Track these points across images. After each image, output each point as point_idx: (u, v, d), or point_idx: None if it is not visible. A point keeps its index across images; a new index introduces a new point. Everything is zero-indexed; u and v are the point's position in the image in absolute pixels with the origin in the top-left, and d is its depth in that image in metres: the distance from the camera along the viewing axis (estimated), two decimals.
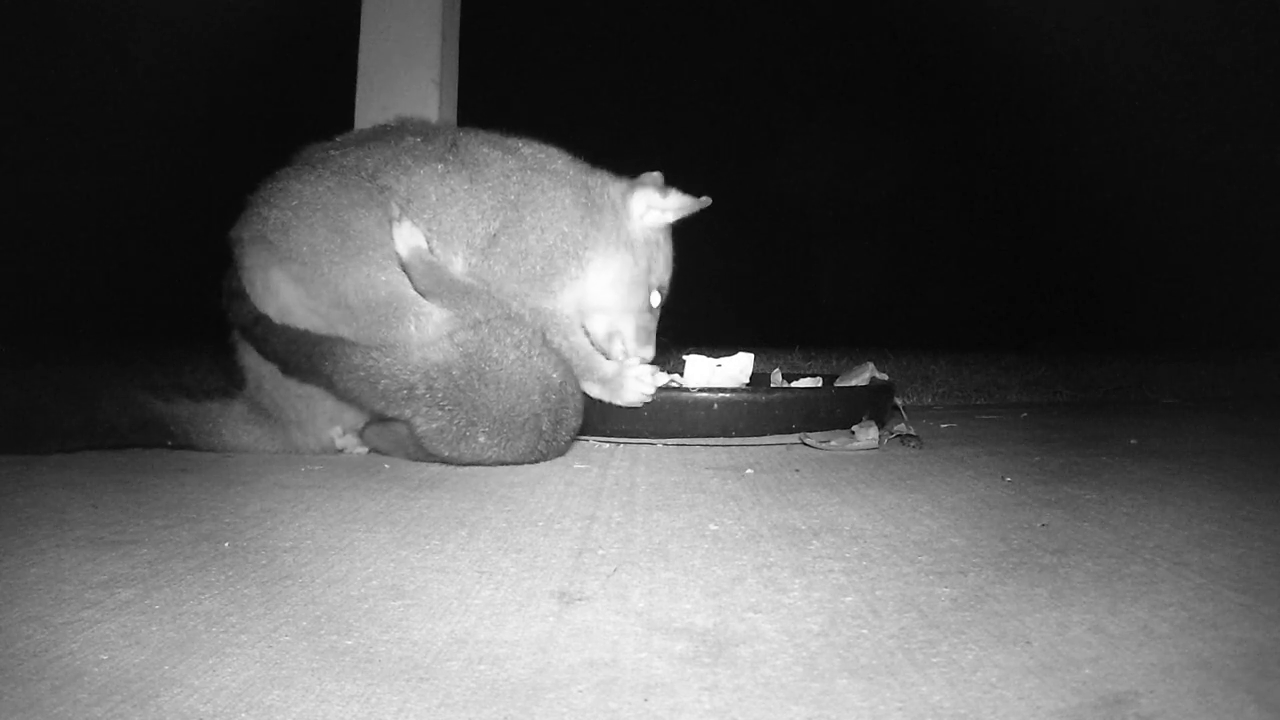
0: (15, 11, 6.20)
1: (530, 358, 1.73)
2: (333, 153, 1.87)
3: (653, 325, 2.02)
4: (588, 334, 1.95)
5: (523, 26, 7.71)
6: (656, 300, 2.02)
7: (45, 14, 6.49)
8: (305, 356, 1.69)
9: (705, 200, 1.99)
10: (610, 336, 1.96)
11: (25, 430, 1.80)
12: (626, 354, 1.96)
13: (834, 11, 8.82)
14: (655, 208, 1.97)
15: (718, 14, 8.97)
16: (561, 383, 1.78)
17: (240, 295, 1.77)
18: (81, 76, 6.70)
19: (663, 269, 2.02)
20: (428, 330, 1.72)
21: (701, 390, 2.06)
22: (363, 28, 3.09)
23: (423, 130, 1.94)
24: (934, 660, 0.81)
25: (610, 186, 1.99)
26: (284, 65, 6.62)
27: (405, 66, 3.07)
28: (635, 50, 8.83)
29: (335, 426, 1.89)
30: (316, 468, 1.76)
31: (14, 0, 6.10)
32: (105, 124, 6.76)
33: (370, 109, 3.05)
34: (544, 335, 1.81)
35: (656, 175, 2.04)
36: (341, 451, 1.90)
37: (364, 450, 1.92)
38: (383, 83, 3.07)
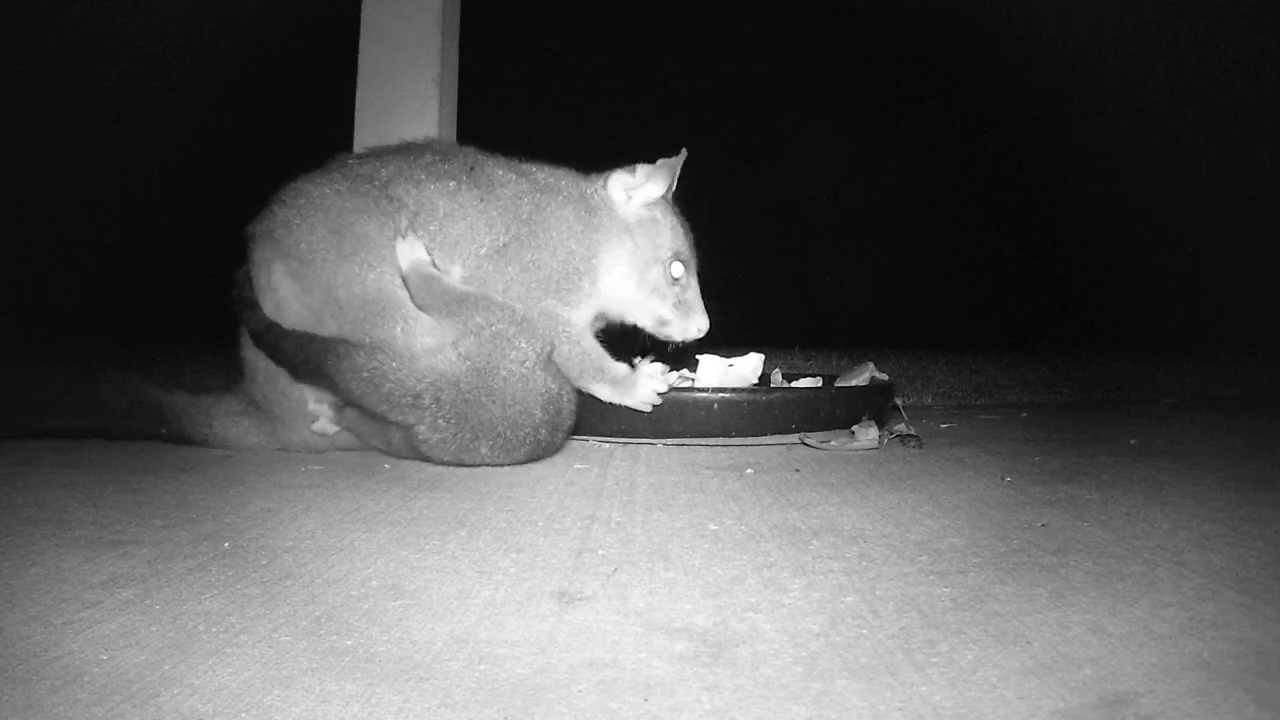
0: (15, 11, 6.21)
1: (535, 374, 1.73)
2: (351, 161, 1.93)
3: (689, 295, 2.00)
4: (637, 329, 2.00)
5: (523, 26, 7.71)
6: (680, 270, 2.00)
7: (46, 14, 6.49)
8: (313, 359, 1.70)
9: (680, 155, 1.99)
10: (661, 323, 1.99)
11: (23, 408, 1.81)
12: (685, 334, 1.99)
13: (834, 12, 8.82)
14: (630, 187, 1.99)
15: (718, 15, 8.97)
16: (559, 392, 1.79)
17: (252, 305, 1.81)
18: (82, 76, 6.70)
19: (670, 240, 2.00)
20: (415, 333, 1.72)
21: (701, 390, 2.06)
22: (363, 28, 3.10)
23: (444, 150, 1.98)
24: (934, 660, 0.81)
25: (594, 184, 2.01)
26: (284, 65, 6.62)
27: (405, 66, 3.07)
28: (635, 51, 8.84)
29: (310, 397, 1.85)
30: (317, 468, 1.76)
31: (14, 1, 6.10)
32: (105, 124, 6.76)
33: (370, 109, 3.05)
34: (553, 342, 1.81)
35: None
36: (315, 420, 1.87)
37: (335, 429, 1.87)
38: (383, 83, 3.07)
